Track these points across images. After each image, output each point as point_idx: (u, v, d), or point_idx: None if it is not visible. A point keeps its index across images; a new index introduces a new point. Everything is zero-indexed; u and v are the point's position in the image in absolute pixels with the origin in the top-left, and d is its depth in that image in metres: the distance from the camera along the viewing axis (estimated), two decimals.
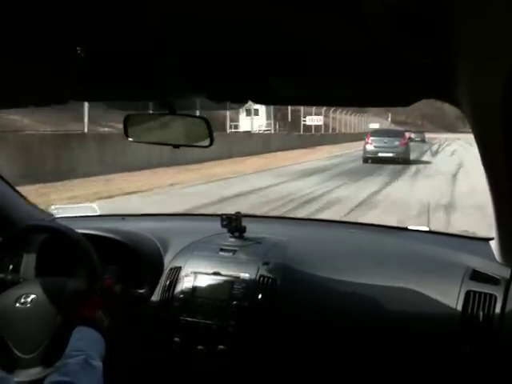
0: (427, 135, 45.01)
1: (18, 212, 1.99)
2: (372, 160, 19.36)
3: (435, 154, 28.43)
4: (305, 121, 35.33)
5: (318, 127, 36.95)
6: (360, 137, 37.45)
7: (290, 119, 34.74)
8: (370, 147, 20.05)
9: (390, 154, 19.35)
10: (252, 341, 1.67)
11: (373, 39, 0.84)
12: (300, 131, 34.76)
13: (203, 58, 1.06)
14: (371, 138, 20.25)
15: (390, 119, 65.98)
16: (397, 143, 19.86)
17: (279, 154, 24.12)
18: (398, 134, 21.19)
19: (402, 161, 18.97)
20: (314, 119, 35.09)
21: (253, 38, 0.93)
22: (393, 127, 43.76)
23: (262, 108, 29.63)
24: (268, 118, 32.27)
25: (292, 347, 1.67)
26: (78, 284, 1.59)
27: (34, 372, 1.45)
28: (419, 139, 40.13)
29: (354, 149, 27.69)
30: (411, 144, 25.64)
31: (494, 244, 1.57)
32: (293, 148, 27.25)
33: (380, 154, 19.51)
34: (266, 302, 1.66)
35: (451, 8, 0.68)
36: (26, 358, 1.48)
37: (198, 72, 1.11)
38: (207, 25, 0.88)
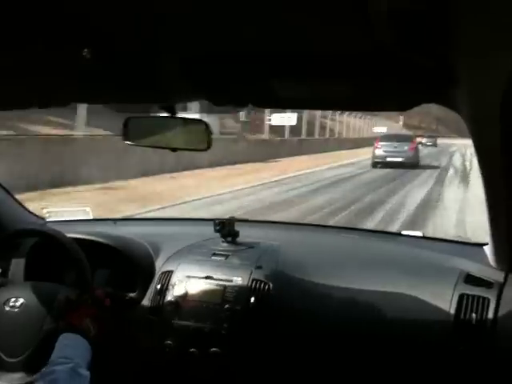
0: (444, 141, 43.50)
1: (9, 215, 2.00)
2: (381, 165, 19.41)
3: (465, 176, 15.82)
4: (270, 120, 23.45)
5: (295, 129, 25.36)
6: (362, 143, 31.50)
7: (243, 117, 23.15)
8: (379, 152, 20.09)
9: (399, 159, 19.44)
10: (245, 344, 1.67)
11: (376, 41, 0.83)
12: (264, 134, 23.71)
13: (205, 61, 1.05)
14: (380, 143, 20.31)
15: (401, 123, 59.92)
16: (406, 148, 19.97)
17: (198, 172, 14.81)
18: (407, 139, 21.36)
19: (411, 165, 19.01)
20: (283, 119, 23.02)
21: (255, 39, 0.93)
22: (404, 132, 41.89)
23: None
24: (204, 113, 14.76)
25: (285, 350, 1.66)
26: (68, 294, 1.59)
27: (17, 377, 1.46)
28: (430, 143, 39.99)
29: (331, 164, 20.13)
30: (425, 152, 24.87)
31: (488, 249, 1.56)
32: (236, 162, 17.82)
33: (389, 159, 19.51)
34: (259, 305, 1.65)
35: (455, 11, 0.68)
36: (11, 361, 1.48)
37: (199, 75, 1.11)
38: (208, 27, 0.88)
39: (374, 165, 19.79)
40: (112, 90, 1.28)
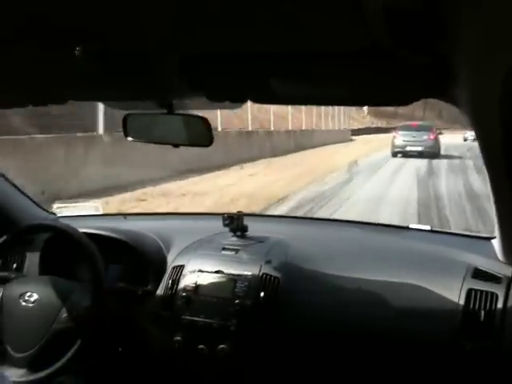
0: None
1: (21, 211, 2.02)
2: (401, 154, 19.08)
3: None
4: None
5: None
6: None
7: None
8: (398, 141, 19.81)
9: (419, 148, 19.19)
10: (254, 340, 1.67)
11: (372, 39, 0.83)
12: None
13: (203, 58, 1.05)
14: (400, 132, 20.03)
15: (365, 108, 42.30)
16: (425, 137, 19.66)
17: None
18: (427, 128, 20.94)
19: (431, 155, 18.63)
20: None
21: (252, 37, 0.93)
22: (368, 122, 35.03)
23: None
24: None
25: (294, 345, 1.66)
26: (80, 300, 1.61)
27: (18, 373, 1.48)
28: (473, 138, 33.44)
29: None
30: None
31: (496, 243, 1.55)
32: None
33: (408, 148, 19.22)
34: (269, 300, 1.66)
35: (451, 8, 0.68)
36: (17, 356, 1.51)
37: (197, 72, 1.11)
38: (207, 24, 0.88)
39: (394, 154, 19.51)
40: (110, 87, 1.28)
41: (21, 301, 1.58)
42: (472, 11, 0.65)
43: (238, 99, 1.26)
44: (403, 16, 0.73)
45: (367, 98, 1.19)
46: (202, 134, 1.43)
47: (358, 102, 1.35)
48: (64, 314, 1.56)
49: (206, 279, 1.74)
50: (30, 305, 1.57)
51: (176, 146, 1.50)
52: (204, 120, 1.42)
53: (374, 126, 41.46)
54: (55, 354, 1.43)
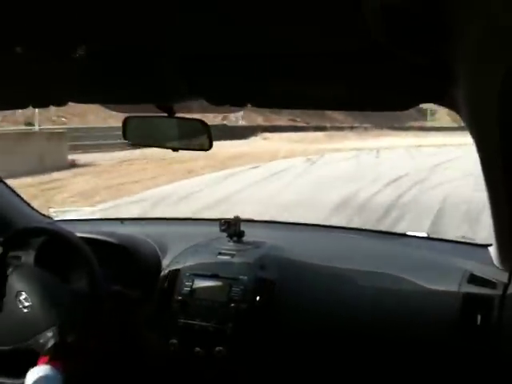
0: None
1: (17, 215, 2.01)
2: None
3: None
4: None
5: None
6: None
7: None
8: None
9: None
10: (250, 343, 1.67)
11: (372, 40, 0.84)
12: None
13: (203, 61, 1.06)
14: None
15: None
16: None
17: None
18: None
19: None
20: None
21: (252, 39, 0.93)
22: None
23: None
24: None
25: (290, 349, 1.66)
26: (76, 305, 1.59)
27: None
28: None
29: None
30: None
31: (492, 250, 1.56)
32: None
33: None
34: (264, 304, 1.66)
35: (450, 9, 0.68)
36: None
37: (197, 75, 1.11)
38: (207, 27, 0.89)
39: None
40: (110, 89, 1.29)
41: (17, 301, 1.56)
42: (471, 12, 0.66)
43: (237, 102, 1.27)
44: (402, 15, 0.74)
45: (366, 101, 1.19)
46: (202, 138, 1.44)
47: (358, 105, 1.37)
48: (58, 320, 1.55)
49: (201, 283, 1.74)
50: (20, 307, 1.55)
51: (175, 150, 1.51)
52: (204, 124, 1.42)
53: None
54: (30, 362, 1.41)
